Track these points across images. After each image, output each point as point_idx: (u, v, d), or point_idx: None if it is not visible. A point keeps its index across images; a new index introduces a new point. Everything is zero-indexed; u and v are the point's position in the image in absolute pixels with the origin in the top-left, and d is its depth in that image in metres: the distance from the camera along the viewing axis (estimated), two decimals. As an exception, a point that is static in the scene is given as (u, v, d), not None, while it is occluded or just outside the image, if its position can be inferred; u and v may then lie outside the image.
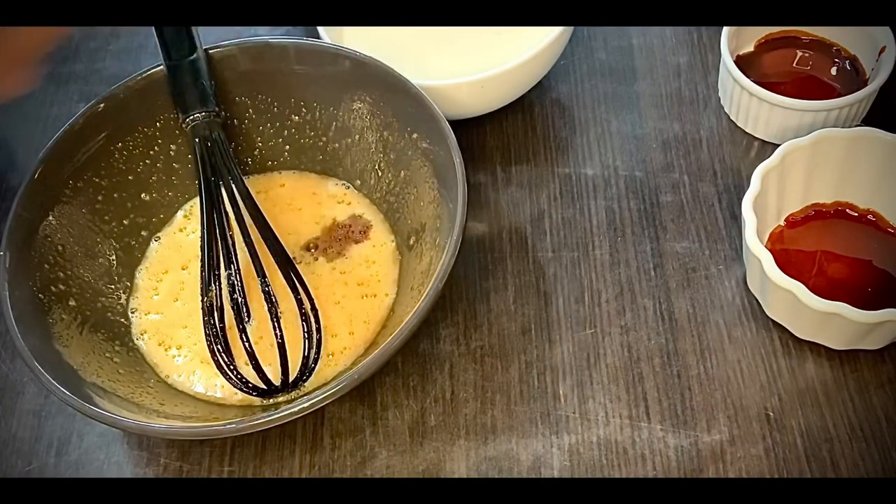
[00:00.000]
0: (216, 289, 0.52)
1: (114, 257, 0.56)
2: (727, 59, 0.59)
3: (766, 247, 0.49)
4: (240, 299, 0.52)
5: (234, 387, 0.51)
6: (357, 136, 0.58)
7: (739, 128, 0.61)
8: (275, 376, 0.51)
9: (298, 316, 0.51)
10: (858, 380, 0.51)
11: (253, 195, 0.54)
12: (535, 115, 0.63)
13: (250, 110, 0.59)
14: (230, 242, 0.53)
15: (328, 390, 0.45)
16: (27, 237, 0.52)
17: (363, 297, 0.54)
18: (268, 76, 0.58)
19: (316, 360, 0.51)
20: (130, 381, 0.51)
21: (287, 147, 0.60)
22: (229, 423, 0.45)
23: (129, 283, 0.56)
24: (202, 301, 0.52)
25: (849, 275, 0.53)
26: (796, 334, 0.52)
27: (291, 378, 0.51)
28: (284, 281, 0.52)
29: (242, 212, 0.53)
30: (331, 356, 0.52)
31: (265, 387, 0.50)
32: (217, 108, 0.56)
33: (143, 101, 0.56)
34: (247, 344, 0.50)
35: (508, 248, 0.58)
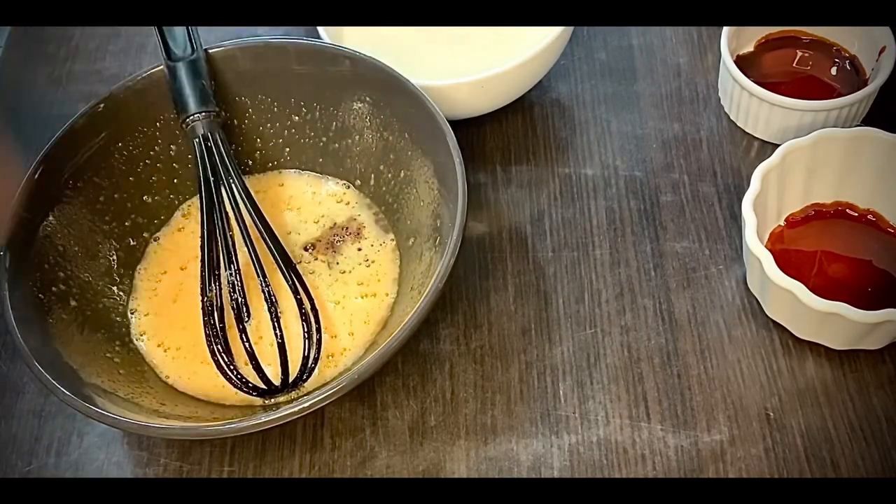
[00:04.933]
0: (216, 289, 0.52)
1: (114, 257, 0.56)
2: (727, 59, 0.59)
3: (766, 247, 0.49)
4: (240, 299, 0.52)
5: (234, 387, 0.51)
6: (357, 136, 0.58)
7: (739, 128, 0.61)
8: (275, 376, 0.51)
9: (298, 316, 0.51)
10: (858, 380, 0.51)
11: (253, 195, 0.54)
12: (535, 115, 0.63)
13: (250, 110, 0.59)
14: (230, 242, 0.53)
15: (328, 390, 0.44)
16: (27, 237, 0.52)
17: (363, 296, 0.54)
18: (268, 76, 0.58)
19: (316, 360, 0.51)
20: (130, 382, 0.51)
21: (287, 147, 0.60)
22: (229, 423, 0.45)
23: (129, 284, 0.56)
24: (202, 301, 0.52)
25: (849, 275, 0.53)
26: (796, 334, 0.52)
27: (291, 378, 0.51)
28: (284, 281, 0.52)
29: (242, 212, 0.53)
30: (331, 357, 0.52)
31: (265, 387, 0.50)
32: (217, 108, 0.56)
33: (143, 101, 0.56)
34: (247, 344, 0.50)
35: (508, 248, 0.58)
